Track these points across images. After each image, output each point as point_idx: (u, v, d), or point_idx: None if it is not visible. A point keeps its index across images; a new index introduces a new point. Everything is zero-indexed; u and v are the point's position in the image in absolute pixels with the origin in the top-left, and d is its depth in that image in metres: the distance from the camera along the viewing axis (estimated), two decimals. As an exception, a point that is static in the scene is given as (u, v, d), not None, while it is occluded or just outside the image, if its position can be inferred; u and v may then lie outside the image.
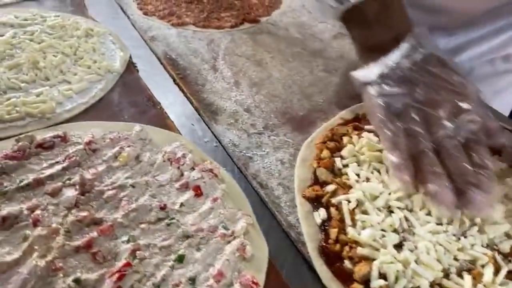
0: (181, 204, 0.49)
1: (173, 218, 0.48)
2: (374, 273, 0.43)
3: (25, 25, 0.75)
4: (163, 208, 0.49)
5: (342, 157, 0.56)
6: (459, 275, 0.44)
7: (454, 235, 0.47)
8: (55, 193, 0.49)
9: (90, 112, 0.62)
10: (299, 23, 0.88)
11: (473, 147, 0.45)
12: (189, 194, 0.51)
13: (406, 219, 0.48)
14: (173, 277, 0.43)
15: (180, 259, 0.44)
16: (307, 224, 0.49)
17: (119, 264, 0.43)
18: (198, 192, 0.51)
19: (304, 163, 0.56)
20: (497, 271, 0.44)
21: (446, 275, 0.43)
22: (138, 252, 0.44)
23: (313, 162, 0.56)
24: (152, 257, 0.44)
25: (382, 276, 0.43)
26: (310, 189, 0.52)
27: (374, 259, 0.44)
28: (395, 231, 0.47)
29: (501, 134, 0.47)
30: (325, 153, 0.56)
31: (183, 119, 0.63)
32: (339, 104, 0.66)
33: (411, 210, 0.49)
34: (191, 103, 0.66)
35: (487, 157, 0.45)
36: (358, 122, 0.62)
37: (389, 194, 0.50)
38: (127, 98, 0.65)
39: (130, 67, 0.71)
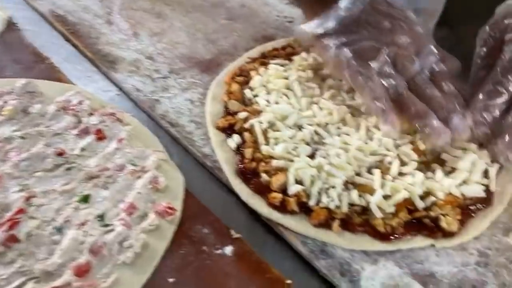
0: (82, 149, 0.45)
1: (73, 163, 0.43)
2: (291, 180, 0.43)
3: None
4: (61, 154, 0.44)
5: (251, 89, 0.55)
6: (369, 172, 0.45)
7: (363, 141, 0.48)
8: None
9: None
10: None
11: (438, 77, 0.47)
12: (90, 138, 0.46)
13: (317, 133, 0.49)
14: (78, 218, 0.38)
15: (85, 199, 0.40)
16: (222, 150, 0.47)
17: (10, 213, 0.37)
18: (101, 135, 0.47)
19: (214, 99, 0.55)
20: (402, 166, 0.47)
21: (357, 174, 0.45)
22: (33, 199, 0.39)
23: (223, 96, 0.54)
24: (51, 203, 0.39)
25: (298, 182, 0.43)
26: (223, 119, 0.51)
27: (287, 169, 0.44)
28: (307, 144, 0.47)
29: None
30: (235, 86, 0.55)
31: (77, 72, 0.58)
32: (238, 48, 0.65)
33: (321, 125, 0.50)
34: (85, 56, 0.60)
35: (453, 84, 0.47)
36: (264, 59, 0.62)
37: (298, 113, 0.50)
38: (9, 56, 0.58)
39: (11, 26, 0.63)
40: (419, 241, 0.41)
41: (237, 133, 0.49)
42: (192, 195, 0.43)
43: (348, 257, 0.40)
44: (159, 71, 0.59)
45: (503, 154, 0.45)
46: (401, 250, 0.41)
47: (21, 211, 0.37)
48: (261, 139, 0.47)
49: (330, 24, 0.48)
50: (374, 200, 0.42)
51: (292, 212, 0.42)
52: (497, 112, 0.45)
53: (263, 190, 0.43)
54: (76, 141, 0.46)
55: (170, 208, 0.40)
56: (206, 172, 0.47)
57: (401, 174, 0.45)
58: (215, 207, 0.43)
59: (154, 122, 0.52)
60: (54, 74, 0.55)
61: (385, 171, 0.45)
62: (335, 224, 0.41)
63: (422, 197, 0.43)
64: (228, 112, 0.52)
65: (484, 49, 0.49)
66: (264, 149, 0.46)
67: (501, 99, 0.45)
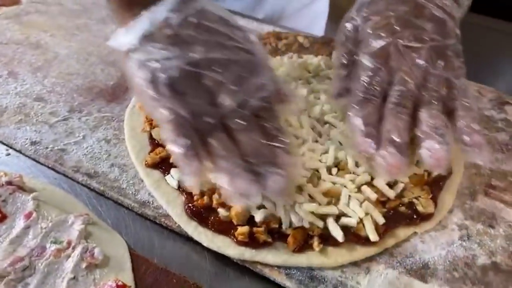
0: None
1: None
2: (253, 206, 0.37)
3: None
4: None
5: (174, 110, 0.47)
6: (329, 172, 0.41)
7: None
8: None
9: None
10: (72, -5, 0.74)
11: (265, 115, 0.35)
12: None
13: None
14: None
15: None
16: (161, 192, 0.40)
17: None
18: (1, 214, 0.36)
19: (134, 131, 0.46)
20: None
21: (318, 178, 0.41)
22: None
23: (144, 126, 0.46)
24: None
25: (261, 207, 0.37)
26: (152, 154, 0.42)
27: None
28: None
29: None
30: (154, 111, 0.47)
31: None
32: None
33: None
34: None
35: (281, 127, 0.36)
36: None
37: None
38: None
39: None
40: (402, 233, 0.38)
41: (174, 166, 0.41)
42: (142, 258, 0.35)
43: (339, 275, 0.35)
44: (56, 113, 0.48)
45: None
46: (387, 248, 0.37)
47: None
48: (208, 164, 0.40)
49: (136, 37, 0.35)
50: (345, 208, 0.38)
51: (265, 244, 0.36)
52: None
53: (225, 228, 0.36)
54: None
55: (119, 285, 0.32)
56: (150, 224, 0.39)
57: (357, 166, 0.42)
58: (174, 263, 0.35)
59: (66, 179, 0.42)
60: None
61: (343, 167, 0.42)
62: (315, 243, 0.36)
63: (390, 186, 0.40)
64: (155, 143, 0.44)
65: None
66: (213, 177, 0.39)
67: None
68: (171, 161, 0.42)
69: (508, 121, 0.53)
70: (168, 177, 0.41)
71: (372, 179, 0.41)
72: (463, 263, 0.37)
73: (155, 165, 0.42)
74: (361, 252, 0.37)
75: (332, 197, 0.39)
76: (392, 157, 0.33)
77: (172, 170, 0.41)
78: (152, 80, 0.34)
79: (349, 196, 0.39)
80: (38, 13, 0.67)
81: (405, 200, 0.40)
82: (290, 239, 0.36)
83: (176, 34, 0.35)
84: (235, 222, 0.36)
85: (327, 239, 0.37)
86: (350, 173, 0.41)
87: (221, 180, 0.32)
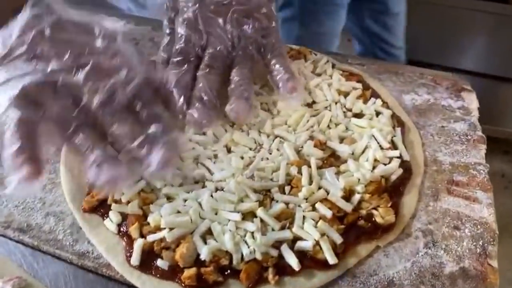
0: None
1: None
2: (198, 244, 0.34)
3: None
4: None
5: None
6: (283, 192, 0.39)
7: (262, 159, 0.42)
8: None
9: None
10: None
11: (138, 104, 0.35)
12: None
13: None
14: None
15: None
16: (100, 239, 0.36)
17: None
18: None
19: (71, 172, 0.42)
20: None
21: (270, 199, 0.38)
22: None
23: (82, 165, 0.42)
24: None
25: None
26: (88, 198, 0.39)
27: (190, 233, 0.35)
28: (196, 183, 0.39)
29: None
30: (91, 147, 0.43)
31: None
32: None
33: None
34: None
35: (157, 108, 0.35)
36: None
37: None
38: None
39: None
40: (363, 249, 0.36)
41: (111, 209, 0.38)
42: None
43: (299, 307, 0.33)
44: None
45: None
46: (349, 269, 0.35)
47: None
48: (138, 210, 0.37)
49: None
50: (299, 230, 0.35)
51: (217, 284, 0.33)
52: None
53: (172, 273, 0.33)
54: None
55: None
56: (93, 276, 0.36)
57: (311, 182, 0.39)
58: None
59: (-2, 237, 0.38)
60: None
61: (297, 182, 0.39)
62: (270, 275, 0.33)
63: (347, 199, 0.38)
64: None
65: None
66: (151, 218, 0.36)
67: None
68: (109, 202, 0.38)
69: (466, 109, 0.51)
70: (106, 221, 0.37)
71: (327, 193, 0.38)
72: (430, 274, 0.35)
73: (93, 209, 0.38)
74: (320, 278, 0.34)
75: (286, 219, 0.36)
76: (199, 112, 0.40)
77: (111, 213, 0.37)
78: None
79: (304, 216, 0.37)
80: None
81: (363, 212, 0.38)
82: (242, 275, 0.33)
83: (32, 50, 0.34)
84: (181, 265, 0.33)
85: (283, 268, 0.34)
86: (303, 190, 0.38)
87: (90, 173, 0.32)
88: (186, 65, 0.43)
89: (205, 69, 0.42)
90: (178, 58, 0.43)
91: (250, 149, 0.43)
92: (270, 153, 0.43)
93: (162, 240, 0.35)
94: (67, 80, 0.33)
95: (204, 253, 0.33)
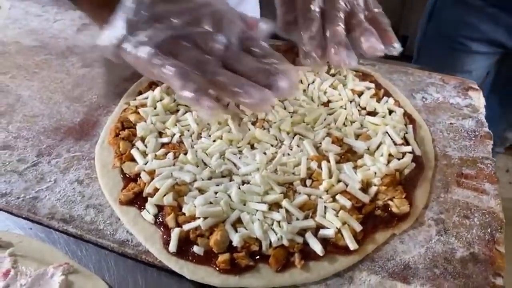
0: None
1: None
2: (230, 232, 0.37)
3: None
4: None
5: (142, 139, 0.47)
6: (304, 185, 0.42)
7: (283, 154, 0.45)
8: None
9: None
10: (31, 30, 0.72)
11: (248, 44, 0.42)
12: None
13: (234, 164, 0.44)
14: None
15: None
16: (139, 229, 0.39)
17: None
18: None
19: (105, 168, 0.46)
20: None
21: (293, 191, 0.41)
22: None
23: (114, 162, 0.46)
24: None
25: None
26: (125, 192, 0.42)
27: (222, 221, 0.38)
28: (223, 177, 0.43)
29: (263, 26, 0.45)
30: (123, 145, 0.47)
31: None
32: (110, 97, 0.56)
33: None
34: None
35: (266, 45, 0.42)
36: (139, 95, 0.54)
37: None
38: None
39: None
40: (381, 237, 0.39)
41: (147, 200, 0.41)
42: (128, 301, 0.35)
43: (324, 289, 0.36)
44: (24, 160, 0.48)
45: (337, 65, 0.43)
46: (368, 254, 0.38)
47: None
48: (173, 202, 0.40)
49: (119, 28, 0.42)
50: (321, 219, 0.39)
51: (248, 268, 0.36)
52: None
53: (206, 258, 0.37)
54: None
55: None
56: (132, 263, 0.39)
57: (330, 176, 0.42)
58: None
59: (42, 227, 0.41)
60: None
61: (317, 178, 0.42)
62: (297, 260, 0.36)
63: (364, 191, 0.41)
64: (128, 178, 0.44)
65: None
66: (186, 209, 0.39)
67: (316, 26, 0.44)
68: (144, 195, 0.42)
69: (473, 107, 0.54)
70: (143, 213, 0.40)
71: (346, 186, 0.41)
72: (443, 259, 0.38)
73: (129, 202, 0.42)
74: (342, 262, 0.37)
75: (309, 209, 0.40)
76: (341, 52, 0.41)
77: (147, 205, 0.41)
78: (151, 53, 0.40)
79: (325, 207, 0.40)
80: (-4, 55, 0.66)
81: (380, 203, 0.41)
82: (271, 259, 0.36)
83: (151, 13, 0.42)
84: (215, 251, 0.37)
85: (307, 254, 0.37)
86: (323, 183, 0.42)
87: (241, 99, 0.38)
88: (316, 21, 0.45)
89: (333, 21, 0.44)
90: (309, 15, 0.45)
91: (272, 145, 0.46)
92: (291, 149, 0.46)
93: (196, 228, 0.38)
94: (193, 32, 0.42)
95: (236, 240, 0.36)
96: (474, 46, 0.84)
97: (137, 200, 0.42)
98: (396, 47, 0.44)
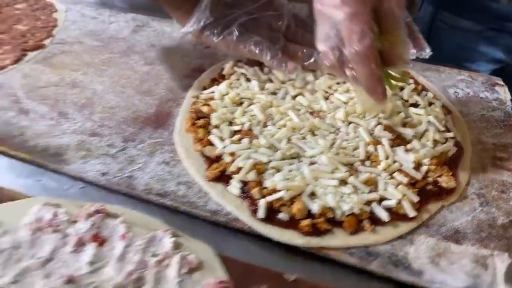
0: (90, 263, 0.40)
1: (91, 283, 0.38)
2: (309, 203, 0.44)
3: None
4: (70, 280, 0.38)
5: (216, 127, 0.54)
6: (363, 165, 0.49)
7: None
8: None
9: None
10: (90, 31, 0.79)
11: (300, 24, 0.59)
12: (91, 248, 0.41)
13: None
14: None
15: (130, 315, 0.36)
16: (228, 200, 0.46)
17: None
18: (100, 240, 0.42)
19: (188, 151, 0.52)
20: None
21: (355, 171, 0.48)
22: None
23: (195, 146, 0.52)
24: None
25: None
26: (211, 170, 0.49)
27: (299, 194, 0.45)
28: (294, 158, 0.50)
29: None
30: (200, 132, 0.53)
31: (22, 182, 0.50)
32: (176, 91, 0.64)
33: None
34: (22, 159, 0.52)
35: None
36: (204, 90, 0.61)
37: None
38: None
39: None
40: (433, 207, 0.46)
41: (231, 177, 0.48)
42: (228, 259, 0.42)
43: (390, 249, 0.43)
44: (113, 145, 0.54)
45: None
46: (424, 221, 0.45)
47: None
48: (255, 177, 0.47)
49: (203, 16, 0.56)
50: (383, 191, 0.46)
51: (326, 231, 0.43)
52: None
53: (290, 223, 0.44)
54: (77, 259, 0.40)
55: (221, 282, 0.38)
56: (223, 230, 0.46)
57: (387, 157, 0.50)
58: (251, 258, 0.42)
59: (139, 202, 0.48)
60: (3, 196, 0.47)
61: (374, 159, 0.49)
62: (367, 225, 0.43)
63: (416, 170, 0.48)
64: (210, 160, 0.51)
65: None
66: (268, 183, 0.46)
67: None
68: (227, 173, 0.49)
69: (500, 100, 0.61)
70: (229, 188, 0.47)
71: (401, 165, 0.48)
72: (487, 225, 0.45)
73: (215, 179, 0.48)
74: (403, 227, 0.44)
75: (372, 185, 0.47)
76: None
77: (233, 181, 0.47)
78: (236, 33, 0.55)
79: (385, 182, 0.47)
80: (64, 53, 0.72)
81: (430, 179, 0.48)
82: (345, 224, 0.43)
83: (231, 1, 0.57)
84: (297, 218, 0.43)
85: (375, 220, 0.44)
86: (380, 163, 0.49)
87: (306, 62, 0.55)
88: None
89: None
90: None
91: (330, 132, 0.53)
92: (348, 135, 0.53)
93: (278, 200, 0.45)
94: (264, 15, 0.58)
95: (315, 208, 0.43)
96: (474, 66, 0.87)
97: (222, 178, 0.48)
98: (427, 52, 0.50)
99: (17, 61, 0.70)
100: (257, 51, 0.56)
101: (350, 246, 0.43)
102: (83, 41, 0.76)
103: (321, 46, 0.48)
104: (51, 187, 0.50)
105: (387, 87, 0.47)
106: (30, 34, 0.77)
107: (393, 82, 0.50)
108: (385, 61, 0.46)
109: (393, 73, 0.50)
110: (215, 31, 0.56)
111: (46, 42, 0.75)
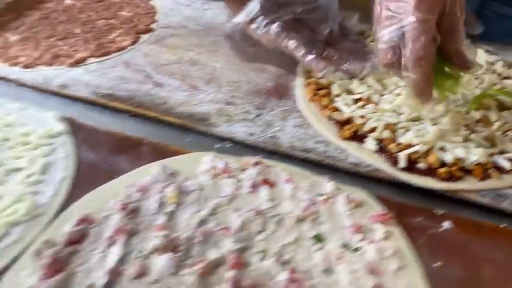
0: (269, 200, 0.47)
1: (276, 215, 0.46)
2: (441, 155, 0.52)
3: None
4: (258, 213, 0.46)
5: (337, 95, 0.62)
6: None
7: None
8: (143, 273, 0.40)
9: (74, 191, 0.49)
10: (188, 17, 0.86)
11: (345, 32, 0.67)
12: (264, 189, 0.49)
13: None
14: (329, 255, 0.42)
15: (319, 238, 0.44)
16: (367, 154, 0.54)
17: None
18: (270, 183, 0.50)
19: (316, 116, 0.60)
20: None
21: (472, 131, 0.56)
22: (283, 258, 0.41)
23: (323, 112, 0.60)
24: (298, 254, 0.42)
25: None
26: (345, 130, 0.56)
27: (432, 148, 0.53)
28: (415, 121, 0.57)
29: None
30: (325, 101, 0.61)
31: (171, 141, 0.57)
32: (286, 67, 0.71)
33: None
34: (170, 123, 0.60)
35: (356, 33, 0.69)
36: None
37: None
38: (105, 153, 0.55)
39: (73, 124, 0.59)
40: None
41: (365, 136, 0.55)
42: (382, 199, 0.49)
43: (516, 191, 0.50)
44: (249, 112, 0.62)
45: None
46: (539, 171, 0.53)
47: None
48: (389, 134, 0.54)
49: (254, 10, 0.64)
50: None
51: (459, 178, 0.51)
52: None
53: (427, 172, 0.51)
54: (256, 197, 0.48)
55: (383, 214, 0.46)
56: (365, 180, 0.53)
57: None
58: (407, 199, 0.50)
59: (288, 156, 0.55)
60: (164, 151, 0.55)
61: (487, 121, 0.57)
62: (493, 173, 0.51)
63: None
64: (339, 123, 0.58)
65: None
66: (403, 140, 0.54)
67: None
68: (359, 134, 0.56)
69: None
70: (365, 145, 0.55)
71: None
72: None
73: (349, 138, 0.56)
74: (520, 171, 0.52)
75: (492, 141, 0.54)
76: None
77: (368, 139, 0.55)
78: (279, 29, 0.63)
79: (501, 139, 0.54)
80: (173, 36, 0.80)
81: (545, 138, 0.55)
82: (475, 172, 0.51)
83: (280, 1, 0.64)
84: (433, 167, 0.51)
85: (499, 169, 0.52)
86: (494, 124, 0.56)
87: (344, 66, 0.64)
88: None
89: None
90: None
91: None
92: (456, 101, 0.60)
93: (414, 153, 0.52)
94: (308, 17, 0.65)
95: (448, 158, 0.51)
96: None
97: (356, 138, 0.56)
98: (478, 28, 0.59)
99: (134, 42, 0.78)
100: (292, 46, 0.63)
101: (481, 189, 0.50)
102: (186, 25, 0.84)
103: (382, 45, 0.52)
104: (203, 147, 0.57)
105: (437, 92, 0.54)
106: (136, 19, 0.85)
107: (445, 92, 0.56)
108: (452, 65, 0.53)
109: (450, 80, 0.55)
110: (261, 25, 0.64)
111: (153, 26, 0.83)
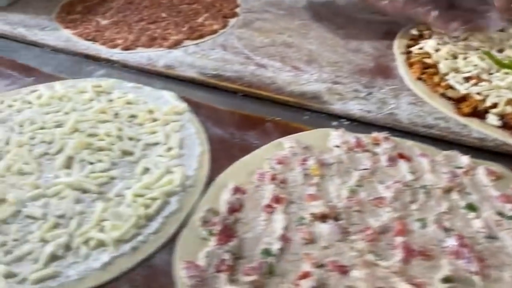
0: (411, 173, 0.48)
1: (424, 187, 0.47)
2: None
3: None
4: (405, 184, 0.47)
5: (445, 74, 0.62)
6: None
7: None
8: (311, 239, 0.41)
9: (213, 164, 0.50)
10: (268, 2, 0.87)
11: None
12: (403, 163, 0.49)
13: None
14: (488, 222, 0.43)
15: (471, 207, 0.44)
16: (491, 130, 0.54)
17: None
18: (406, 157, 0.50)
19: (428, 94, 0.60)
20: None
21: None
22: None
23: (436, 89, 0.60)
24: (455, 223, 0.43)
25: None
26: (464, 106, 0.57)
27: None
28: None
29: None
30: (436, 78, 0.62)
31: (288, 119, 0.58)
32: (380, 48, 0.73)
33: None
34: (282, 103, 0.61)
35: None
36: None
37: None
38: (228, 130, 0.56)
39: (190, 102, 0.60)
40: None
41: (487, 112, 0.56)
42: None
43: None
44: (358, 90, 0.62)
45: None
46: None
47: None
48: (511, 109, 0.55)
49: None
50: None
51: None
52: None
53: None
54: (396, 170, 0.49)
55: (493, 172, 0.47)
56: (487, 154, 0.53)
57: None
58: None
59: (404, 134, 0.56)
60: (287, 127, 0.56)
61: None
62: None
63: None
64: (454, 100, 0.59)
65: None
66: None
67: None
68: (479, 109, 0.57)
69: None
70: (488, 120, 0.55)
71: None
72: None
73: (468, 114, 0.57)
74: None
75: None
76: None
77: (490, 115, 0.55)
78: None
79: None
80: (259, 20, 0.81)
81: None
82: None
83: None
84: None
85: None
86: None
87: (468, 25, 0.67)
88: None
89: None
90: None
91: None
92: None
93: None
94: None
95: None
96: None
97: (473, 114, 0.56)
98: None
99: (224, 26, 0.79)
100: (423, 11, 0.66)
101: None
102: (269, 10, 0.84)
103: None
104: (322, 124, 0.58)
105: None
106: (219, 4, 0.86)
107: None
108: None
109: None
110: None
111: (237, 10, 0.84)
